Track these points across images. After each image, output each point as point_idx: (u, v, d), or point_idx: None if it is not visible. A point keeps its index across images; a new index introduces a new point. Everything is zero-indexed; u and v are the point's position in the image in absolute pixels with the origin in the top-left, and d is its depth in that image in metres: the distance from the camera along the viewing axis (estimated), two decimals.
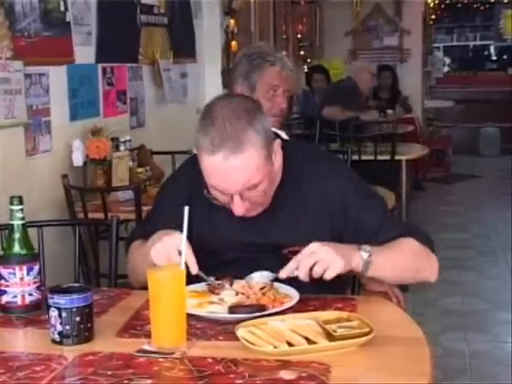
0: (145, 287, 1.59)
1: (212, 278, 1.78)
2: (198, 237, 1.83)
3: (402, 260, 1.83)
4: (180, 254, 1.67)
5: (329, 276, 1.66)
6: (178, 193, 1.98)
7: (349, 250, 1.72)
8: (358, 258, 1.72)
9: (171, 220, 1.74)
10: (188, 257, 1.67)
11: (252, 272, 1.80)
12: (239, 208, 1.76)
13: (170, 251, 1.67)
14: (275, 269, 1.75)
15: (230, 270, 1.81)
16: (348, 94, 6.17)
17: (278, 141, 1.83)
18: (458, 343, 3.94)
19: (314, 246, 1.68)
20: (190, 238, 1.69)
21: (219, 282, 1.77)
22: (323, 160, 2.02)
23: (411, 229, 1.93)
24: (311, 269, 1.66)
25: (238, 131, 1.68)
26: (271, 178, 1.80)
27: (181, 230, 1.64)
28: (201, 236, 1.86)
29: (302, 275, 1.67)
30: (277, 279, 1.76)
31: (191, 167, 1.95)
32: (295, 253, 1.76)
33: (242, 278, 1.78)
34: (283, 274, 1.70)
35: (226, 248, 1.90)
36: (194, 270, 1.69)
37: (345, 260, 1.68)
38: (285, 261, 1.76)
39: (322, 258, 1.66)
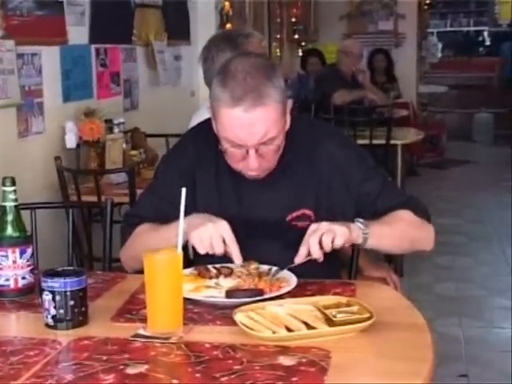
0: (141, 271, 1.55)
1: (238, 262, 1.71)
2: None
3: (398, 230, 1.85)
4: (225, 242, 1.66)
5: (339, 242, 1.67)
6: (184, 166, 1.94)
7: (346, 224, 1.74)
8: (356, 229, 1.75)
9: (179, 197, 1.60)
10: (233, 246, 1.67)
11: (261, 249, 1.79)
12: (254, 163, 1.76)
13: (215, 239, 1.66)
14: (282, 240, 1.78)
15: (241, 247, 1.72)
16: (327, 79, 6.16)
17: (290, 101, 1.85)
18: (452, 329, 3.92)
19: (313, 225, 1.71)
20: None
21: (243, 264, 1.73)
22: (328, 131, 2.05)
23: (408, 200, 1.95)
24: (321, 246, 1.67)
25: (259, 84, 1.71)
26: (283, 136, 1.82)
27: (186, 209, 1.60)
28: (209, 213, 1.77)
29: (315, 251, 1.66)
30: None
31: (195, 137, 1.95)
32: (298, 218, 1.85)
33: (254, 257, 1.76)
34: (298, 259, 1.69)
35: (235, 225, 1.78)
36: (239, 259, 1.69)
37: (347, 229, 1.70)
38: (289, 228, 1.84)
39: (326, 230, 1.68)
